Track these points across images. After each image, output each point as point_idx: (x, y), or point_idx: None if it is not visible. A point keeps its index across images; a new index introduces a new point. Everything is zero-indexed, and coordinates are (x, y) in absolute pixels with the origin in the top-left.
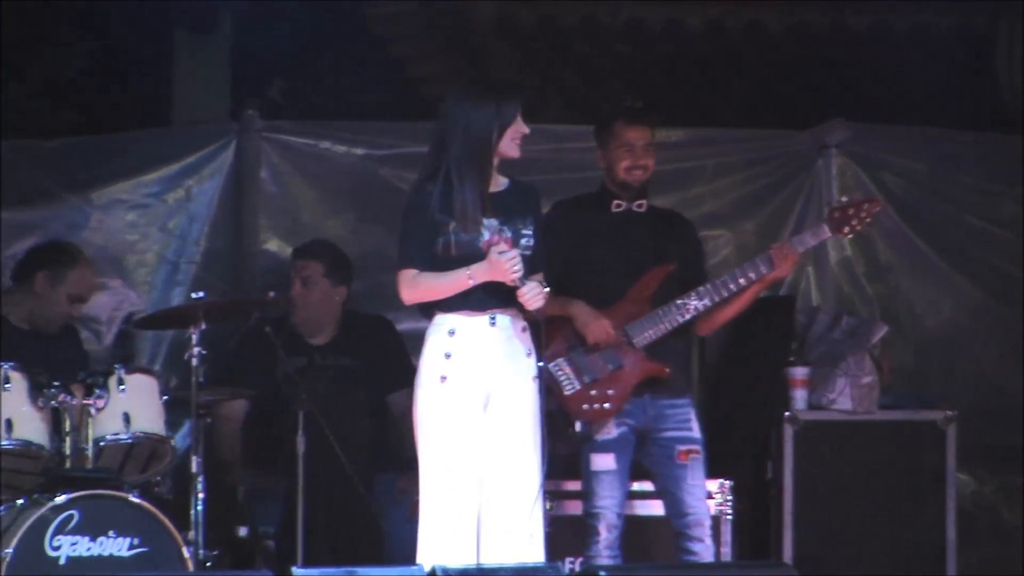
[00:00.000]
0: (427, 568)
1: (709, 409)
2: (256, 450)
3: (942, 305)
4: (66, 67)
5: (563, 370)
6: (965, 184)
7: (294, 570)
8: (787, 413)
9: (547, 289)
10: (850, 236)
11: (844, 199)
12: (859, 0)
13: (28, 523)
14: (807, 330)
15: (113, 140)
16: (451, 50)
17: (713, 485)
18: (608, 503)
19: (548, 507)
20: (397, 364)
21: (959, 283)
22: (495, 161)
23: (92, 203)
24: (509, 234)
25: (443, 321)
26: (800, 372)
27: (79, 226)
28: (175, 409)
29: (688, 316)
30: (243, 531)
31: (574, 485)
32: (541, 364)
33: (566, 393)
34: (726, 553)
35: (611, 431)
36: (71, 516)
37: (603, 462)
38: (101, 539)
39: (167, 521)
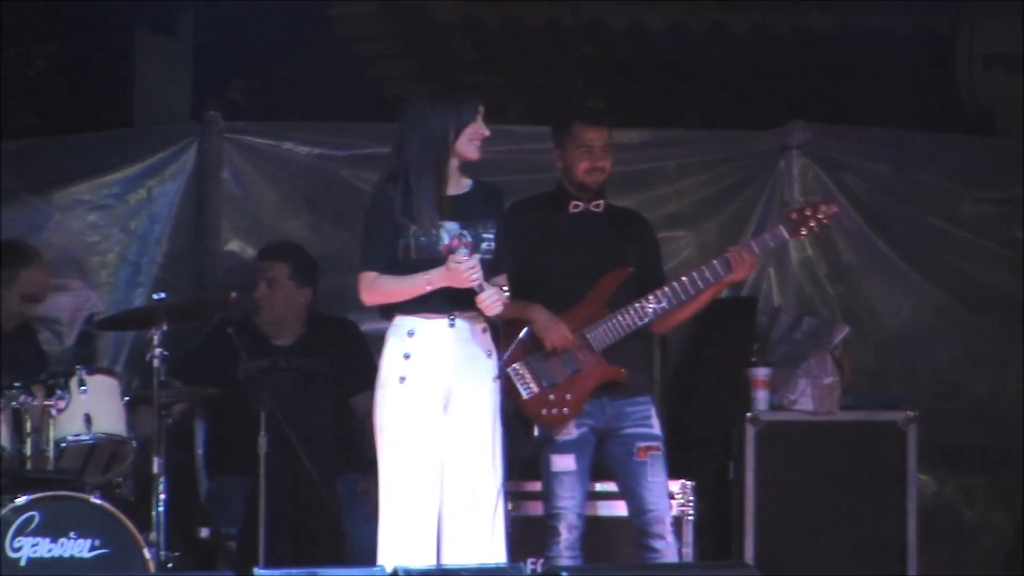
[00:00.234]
0: (389, 569)
1: (671, 410)
2: (219, 451)
3: (903, 306)
4: (27, 68)
5: (521, 374)
6: (926, 185)
7: (256, 571)
8: (749, 414)
9: (507, 294)
10: (807, 238)
11: (801, 201)
12: (820, 1)
13: None
14: (769, 331)
15: (74, 141)
16: (414, 51)
17: (675, 486)
18: (568, 504)
19: (509, 508)
20: (361, 366)
21: (920, 284)
22: (454, 162)
23: (53, 204)
24: (469, 238)
25: (403, 322)
26: (762, 373)
27: (40, 227)
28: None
29: (646, 319)
30: (205, 532)
31: (536, 486)
32: (500, 372)
33: (524, 397)
34: (688, 553)
35: (571, 432)
36: (32, 517)
37: (563, 463)
38: (62, 540)
39: (128, 522)
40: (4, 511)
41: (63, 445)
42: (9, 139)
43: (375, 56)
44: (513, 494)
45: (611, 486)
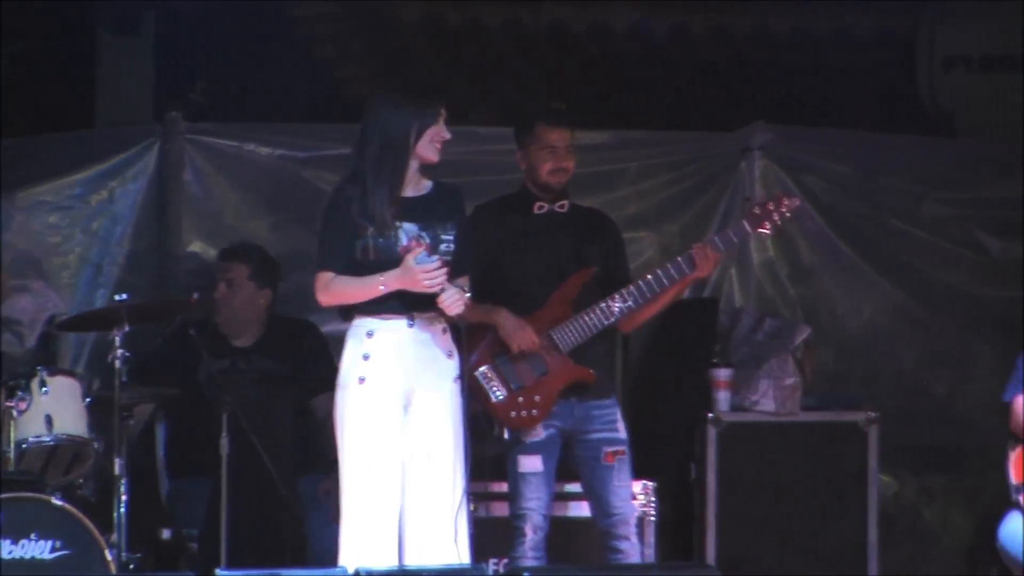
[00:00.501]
0: (350, 570)
1: (632, 411)
2: (180, 452)
3: (864, 307)
4: None
5: (489, 378)
6: (887, 186)
7: (217, 572)
8: (710, 415)
9: (468, 295)
10: (770, 232)
11: (763, 195)
12: (781, 3)
13: None
14: (730, 332)
15: (35, 142)
16: (376, 52)
17: (637, 486)
18: (534, 505)
19: (472, 508)
20: (321, 367)
21: (881, 285)
22: (413, 164)
23: (14, 205)
24: (428, 239)
25: (362, 323)
26: (723, 374)
27: (1, 228)
28: (97, 411)
29: (612, 319)
30: (166, 533)
31: (499, 487)
32: (461, 373)
33: (493, 401)
34: (649, 554)
35: (539, 433)
36: None
37: (530, 464)
38: (23, 542)
39: (90, 523)
40: None
41: (24, 446)
42: None
43: (337, 57)
44: (476, 495)
45: (579, 487)
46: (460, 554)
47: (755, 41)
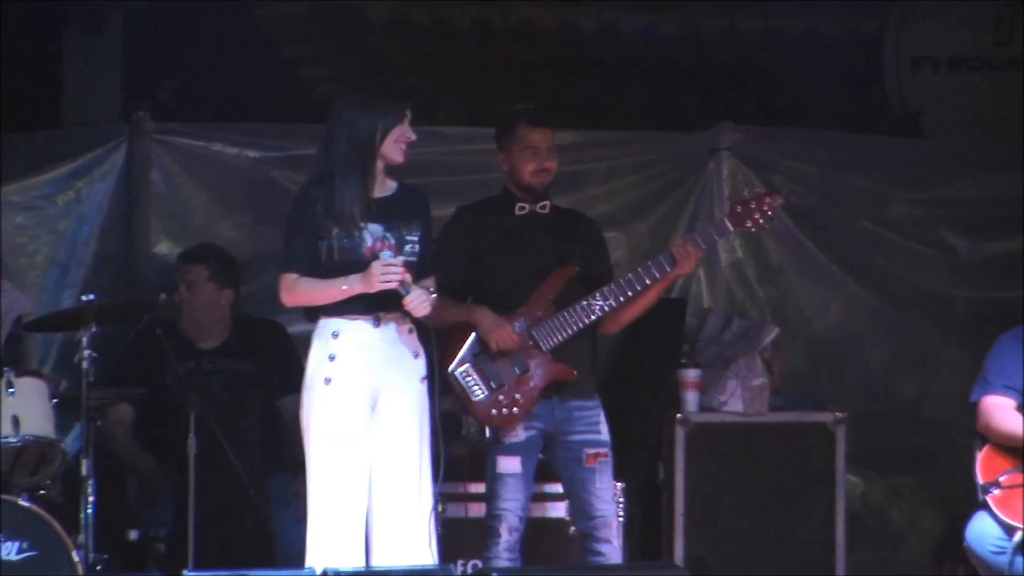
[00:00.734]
0: (318, 570)
1: None
2: (149, 452)
3: (832, 307)
4: None
5: (470, 376)
6: (855, 187)
7: (185, 573)
8: (678, 415)
9: (434, 296)
10: (752, 230)
11: (745, 194)
12: (750, 3)
13: None
14: (698, 332)
15: (2, 142)
16: (344, 52)
17: None
18: (511, 506)
19: (440, 509)
20: (288, 368)
21: (849, 285)
22: (379, 165)
23: None
24: (393, 240)
25: (327, 324)
26: (691, 374)
27: None
28: (65, 412)
29: (593, 317)
30: (134, 534)
31: (468, 487)
32: (429, 373)
33: (474, 399)
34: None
35: (518, 434)
36: None
37: (509, 465)
38: None
39: (57, 525)
40: None
41: None
42: None
43: (304, 57)
44: (444, 495)
45: (555, 487)
46: (428, 554)
47: (723, 41)
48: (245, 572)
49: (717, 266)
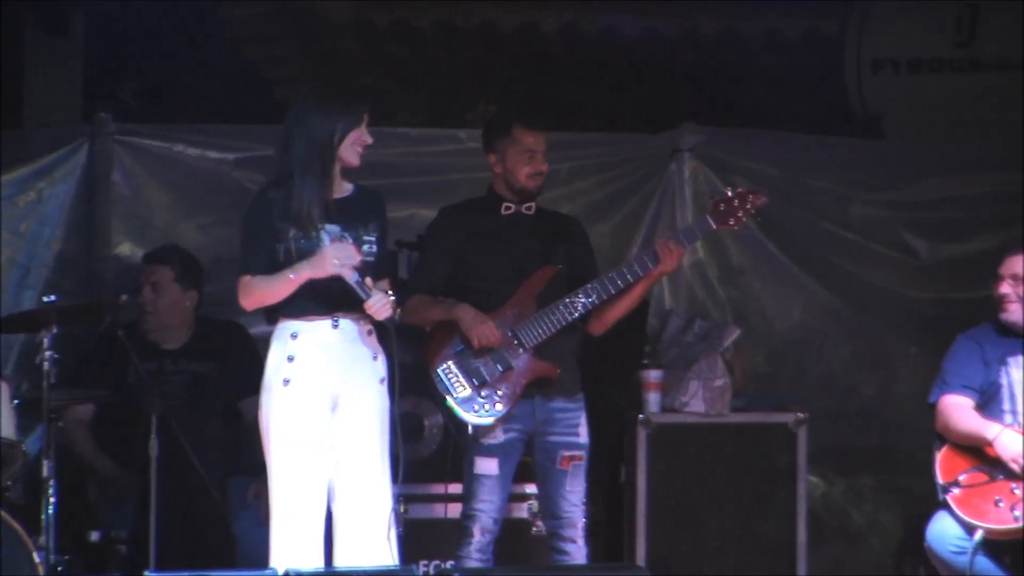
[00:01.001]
0: (281, 571)
1: None
2: (109, 454)
3: (793, 308)
4: None
5: (452, 373)
6: (816, 188)
7: (146, 574)
8: (640, 416)
9: (392, 298)
10: (735, 228)
11: (729, 191)
12: (710, 1)
13: None
14: (660, 333)
15: None
16: (305, 53)
17: None
18: (486, 507)
19: (402, 510)
20: (249, 369)
21: (810, 286)
22: (335, 166)
23: None
24: (351, 240)
25: (286, 326)
26: (653, 375)
27: None
28: (26, 413)
29: (576, 314)
30: (95, 535)
31: (429, 489)
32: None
33: (457, 396)
34: None
35: (497, 436)
36: None
37: (486, 466)
38: None
39: (18, 526)
40: None
41: None
42: None
43: (266, 58)
44: (406, 496)
45: (529, 488)
46: (389, 555)
47: (685, 43)
48: (206, 573)
49: (679, 267)
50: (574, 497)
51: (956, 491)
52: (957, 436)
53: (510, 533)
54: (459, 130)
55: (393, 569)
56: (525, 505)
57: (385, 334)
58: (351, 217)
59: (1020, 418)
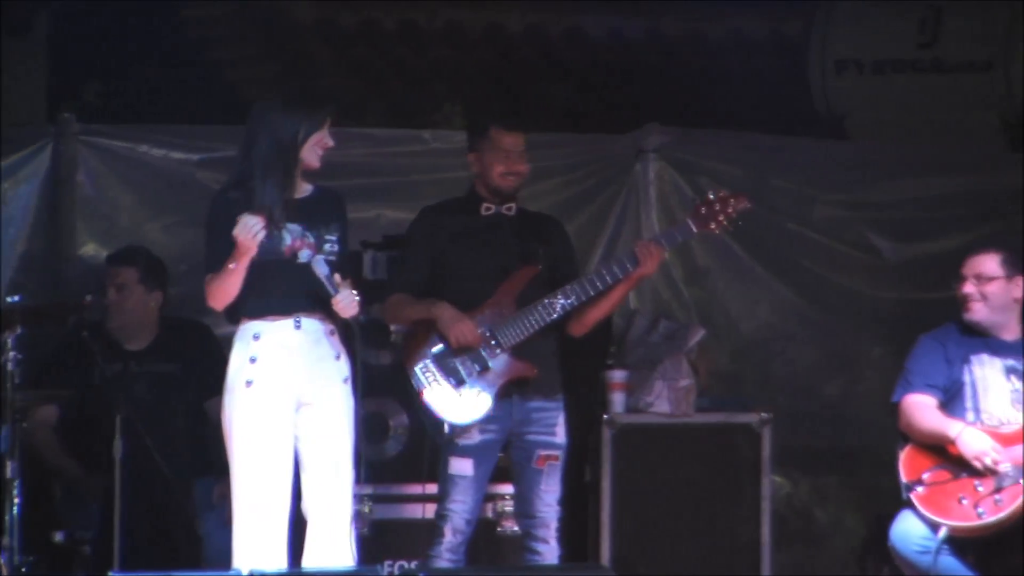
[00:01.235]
0: (245, 572)
1: None
2: (74, 454)
3: (758, 308)
4: None
5: (430, 372)
6: (780, 189)
7: (111, 575)
8: (605, 416)
9: (357, 298)
10: (716, 232)
11: (711, 195)
12: (676, 2)
13: None
14: (625, 333)
15: None
16: (270, 53)
17: None
18: (458, 508)
19: (367, 510)
20: (214, 370)
21: (774, 287)
22: (298, 168)
23: None
24: (312, 239)
25: (248, 326)
26: (618, 375)
27: None
28: None
29: (555, 315)
30: (60, 536)
31: (392, 489)
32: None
33: (434, 394)
34: None
35: (473, 436)
36: None
37: (461, 467)
38: None
39: None
40: None
41: None
42: None
43: (231, 59)
44: (372, 497)
45: (504, 488)
46: (351, 555)
47: (649, 44)
48: (171, 574)
49: None
50: (549, 497)
51: (920, 489)
52: (920, 435)
53: (482, 533)
54: (424, 131)
55: (356, 570)
56: (490, 505)
57: (351, 334)
58: (312, 217)
59: (983, 416)
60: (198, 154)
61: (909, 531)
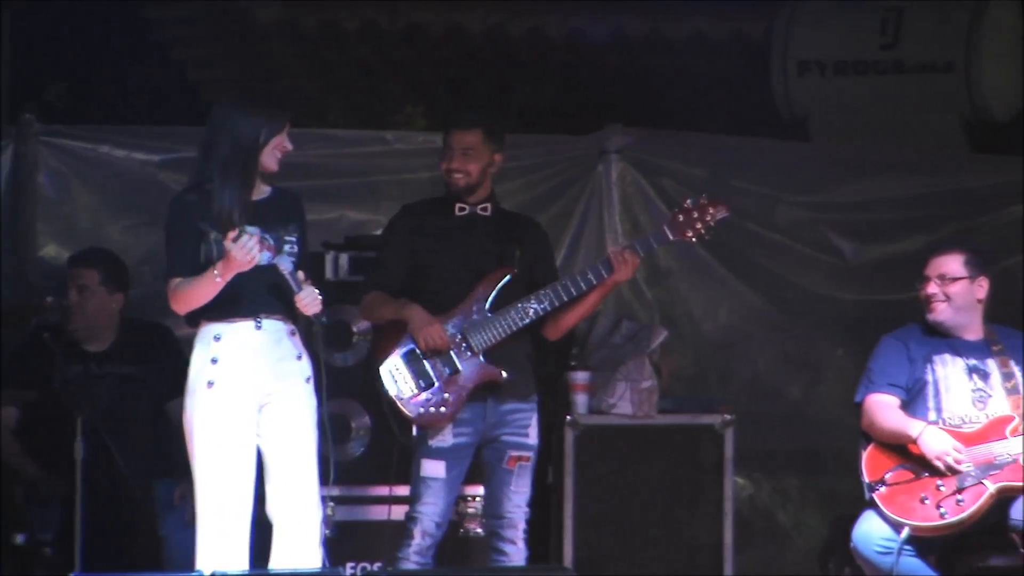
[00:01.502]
0: (206, 573)
1: None
2: (34, 456)
3: (720, 310)
4: None
5: (399, 373)
6: (742, 190)
7: None
8: (568, 417)
9: (320, 296)
10: (693, 240)
11: (688, 202)
12: (638, 3)
13: None
14: (587, 335)
15: None
16: (233, 54)
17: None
18: (428, 510)
19: (329, 512)
20: (175, 371)
21: (737, 288)
22: (257, 170)
23: None
24: (272, 241)
25: (209, 328)
26: (581, 377)
27: None
28: None
29: (527, 320)
30: (20, 538)
31: (356, 490)
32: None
33: (402, 397)
34: None
35: (445, 439)
36: None
37: (432, 468)
38: None
39: None
40: None
41: None
42: None
43: (193, 59)
44: (336, 498)
45: (475, 489)
46: (317, 556)
47: (611, 44)
48: (133, 575)
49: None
50: (518, 498)
51: (882, 489)
52: (882, 434)
53: (447, 534)
54: (386, 132)
55: (319, 571)
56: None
57: (311, 335)
58: (271, 219)
59: (944, 415)
60: (160, 155)
61: (871, 532)
